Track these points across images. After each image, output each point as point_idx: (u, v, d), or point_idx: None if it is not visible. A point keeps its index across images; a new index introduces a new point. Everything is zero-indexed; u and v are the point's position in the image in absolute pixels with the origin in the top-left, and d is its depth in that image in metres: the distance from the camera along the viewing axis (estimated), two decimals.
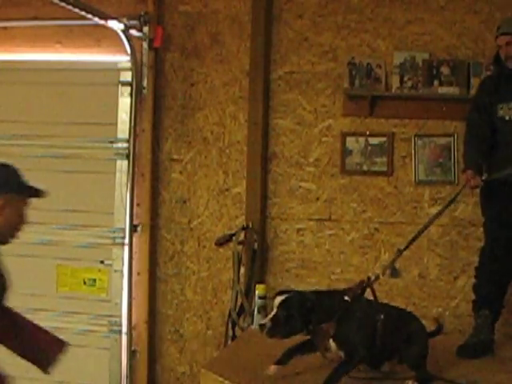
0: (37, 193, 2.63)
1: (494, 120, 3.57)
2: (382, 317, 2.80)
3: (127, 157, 4.43)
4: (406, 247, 3.38)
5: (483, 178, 3.53)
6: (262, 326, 2.73)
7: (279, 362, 2.84)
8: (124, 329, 4.43)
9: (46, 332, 2.67)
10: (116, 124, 4.50)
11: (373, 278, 3.02)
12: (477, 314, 3.57)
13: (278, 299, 2.74)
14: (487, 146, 3.59)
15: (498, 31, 3.58)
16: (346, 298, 2.82)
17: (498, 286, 3.54)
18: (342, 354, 2.76)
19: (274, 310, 2.73)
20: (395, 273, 3.23)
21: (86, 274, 4.60)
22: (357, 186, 4.27)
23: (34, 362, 2.62)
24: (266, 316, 3.68)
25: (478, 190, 3.67)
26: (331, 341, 2.75)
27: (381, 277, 3.07)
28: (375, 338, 2.78)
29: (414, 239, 3.43)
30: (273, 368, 2.84)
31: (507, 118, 3.54)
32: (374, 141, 4.25)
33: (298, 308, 2.71)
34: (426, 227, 3.51)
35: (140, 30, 4.40)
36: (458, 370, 3.08)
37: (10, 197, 2.43)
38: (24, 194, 2.50)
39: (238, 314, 4.07)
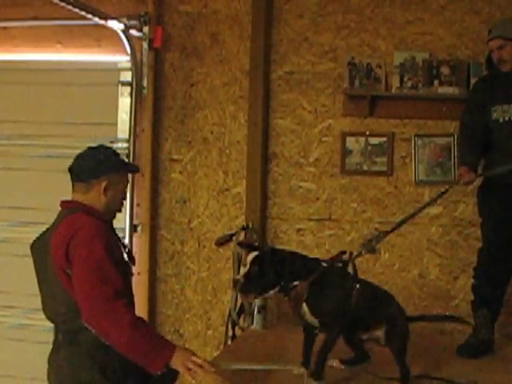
0: (134, 169, 3.00)
1: (489, 122, 3.58)
2: (358, 286, 2.78)
3: (127, 157, 4.43)
4: (392, 230, 3.26)
5: (478, 174, 3.54)
6: (235, 282, 2.70)
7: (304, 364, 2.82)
8: None
9: None
10: (116, 124, 4.51)
11: (355, 253, 2.97)
12: (476, 314, 3.58)
13: (251, 255, 2.69)
14: (481, 147, 3.61)
15: (489, 35, 3.59)
16: (323, 263, 2.79)
17: (496, 285, 3.55)
18: (315, 321, 2.73)
19: (247, 267, 2.67)
20: (373, 250, 3.19)
21: None
22: (357, 186, 4.27)
23: None
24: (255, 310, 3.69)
25: (473, 190, 3.68)
26: (304, 304, 2.71)
27: (363, 253, 3.04)
28: (349, 307, 2.75)
29: (400, 224, 3.31)
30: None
31: (501, 120, 3.55)
32: (373, 141, 4.25)
33: (271, 263, 2.66)
34: (414, 214, 3.42)
35: (140, 30, 4.40)
36: (458, 370, 3.08)
37: (113, 176, 2.58)
38: (124, 172, 2.67)
39: (238, 314, 4.06)
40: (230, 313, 4.06)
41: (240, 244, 2.84)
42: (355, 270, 2.91)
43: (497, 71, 3.61)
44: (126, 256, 2.70)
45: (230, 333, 4.04)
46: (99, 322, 2.34)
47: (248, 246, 2.83)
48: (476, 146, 3.60)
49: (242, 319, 4.09)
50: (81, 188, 2.59)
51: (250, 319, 4.02)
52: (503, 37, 3.52)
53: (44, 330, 4.50)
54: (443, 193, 3.52)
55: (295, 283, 2.69)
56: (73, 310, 2.40)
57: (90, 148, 2.69)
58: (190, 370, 2.36)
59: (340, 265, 2.89)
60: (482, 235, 3.68)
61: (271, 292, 2.69)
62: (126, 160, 2.83)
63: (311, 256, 2.89)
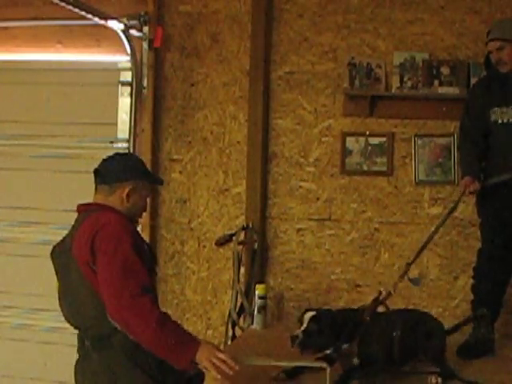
0: (158, 181, 3.00)
1: (488, 124, 3.58)
2: (399, 333, 2.87)
3: None
4: (414, 260, 3.41)
5: (482, 183, 3.54)
6: (293, 337, 2.76)
7: (289, 375, 2.94)
8: None
9: None
10: (116, 124, 4.51)
11: (384, 294, 3.05)
12: (476, 314, 3.58)
13: (309, 314, 2.80)
14: (481, 152, 3.62)
15: (488, 36, 3.59)
16: (367, 317, 2.87)
17: (496, 285, 3.55)
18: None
19: (305, 324, 2.77)
20: (416, 282, 3.28)
21: None
22: (357, 186, 4.27)
23: None
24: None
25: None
26: (355, 359, 2.80)
27: (392, 293, 3.10)
28: (393, 352, 2.85)
29: (421, 250, 3.46)
30: (278, 374, 2.94)
31: (500, 121, 3.55)
32: (374, 141, 4.25)
33: (330, 323, 2.77)
34: (431, 237, 3.52)
35: (140, 30, 4.40)
36: (457, 370, 3.08)
37: (137, 183, 2.59)
38: (148, 181, 2.69)
39: (238, 314, 4.07)
40: (229, 313, 4.06)
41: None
42: (388, 309, 3.02)
43: (495, 72, 3.61)
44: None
45: (230, 333, 4.04)
46: (125, 317, 2.32)
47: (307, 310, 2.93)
48: (477, 151, 3.60)
49: (241, 319, 4.09)
50: (104, 190, 2.58)
51: (250, 319, 4.02)
52: (502, 38, 3.51)
53: (44, 330, 4.52)
54: (454, 208, 3.59)
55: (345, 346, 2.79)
56: (103, 312, 2.38)
57: (118, 153, 2.75)
58: (214, 365, 2.36)
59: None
60: (481, 235, 3.69)
61: (327, 351, 2.77)
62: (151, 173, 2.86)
63: (350, 308, 3.09)
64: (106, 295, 2.35)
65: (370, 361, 2.79)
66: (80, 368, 2.56)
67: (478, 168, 3.59)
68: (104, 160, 2.65)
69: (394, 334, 2.86)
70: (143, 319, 2.31)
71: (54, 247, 2.63)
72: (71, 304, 2.53)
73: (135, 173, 2.60)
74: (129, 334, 2.35)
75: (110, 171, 2.58)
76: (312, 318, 2.78)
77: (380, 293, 3.04)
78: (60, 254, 2.56)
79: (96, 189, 2.62)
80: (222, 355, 2.39)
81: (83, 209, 2.62)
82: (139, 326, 2.31)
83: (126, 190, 2.55)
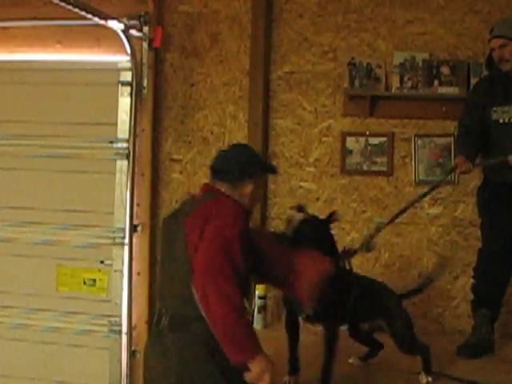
0: (274, 170, 2.95)
1: (488, 123, 3.58)
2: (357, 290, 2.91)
3: (127, 157, 4.43)
4: (388, 223, 3.41)
5: (476, 163, 3.53)
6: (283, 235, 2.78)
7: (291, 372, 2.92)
8: (124, 329, 4.42)
9: None
10: (116, 124, 4.50)
11: (351, 250, 3.08)
12: (476, 314, 3.58)
13: (299, 215, 2.83)
14: (477, 142, 3.60)
15: (491, 34, 3.59)
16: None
17: (496, 285, 3.55)
18: (310, 310, 2.81)
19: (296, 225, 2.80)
20: (368, 246, 3.26)
21: (86, 273, 4.59)
22: (357, 186, 4.27)
23: None
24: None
25: (473, 190, 3.68)
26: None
27: (358, 252, 3.11)
28: (347, 301, 2.86)
29: (396, 216, 3.45)
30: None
31: (501, 121, 3.55)
32: (374, 141, 4.25)
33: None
34: (410, 205, 3.52)
35: (140, 30, 4.39)
36: (457, 370, 3.08)
37: (256, 181, 2.60)
38: (266, 172, 2.74)
39: None
40: None
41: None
42: (351, 268, 3.01)
43: (497, 71, 3.61)
44: None
45: None
46: (208, 291, 2.30)
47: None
48: (472, 140, 3.60)
49: None
50: (223, 187, 2.57)
51: (250, 319, 4.02)
52: (505, 36, 3.51)
53: (44, 330, 4.52)
54: (441, 181, 3.65)
55: None
56: (192, 295, 2.35)
57: (233, 147, 2.72)
58: (260, 379, 2.35)
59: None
60: (481, 235, 3.69)
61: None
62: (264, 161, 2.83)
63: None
64: (198, 266, 2.34)
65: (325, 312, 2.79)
66: (151, 347, 2.54)
67: (472, 151, 3.56)
68: (221, 156, 2.65)
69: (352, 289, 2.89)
70: (224, 301, 2.29)
71: (166, 218, 2.63)
72: (166, 275, 2.53)
73: (255, 169, 2.60)
74: (202, 307, 2.32)
75: (229, 170, 2.57)
76: (303, 221, 2.78)
77: (347, 250, 3.05)
78: (171, 224, 2.55)
79: (214, 183, 2.59)
80: (268, 377, 2.36)
81: (207, 189, 2.60)
82: (216, 303, 2.29)
83: (249, 190, 2.56)
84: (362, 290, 2.92)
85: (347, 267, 2.98)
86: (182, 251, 2.43)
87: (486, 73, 3.86)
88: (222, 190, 2.55)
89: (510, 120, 3.52)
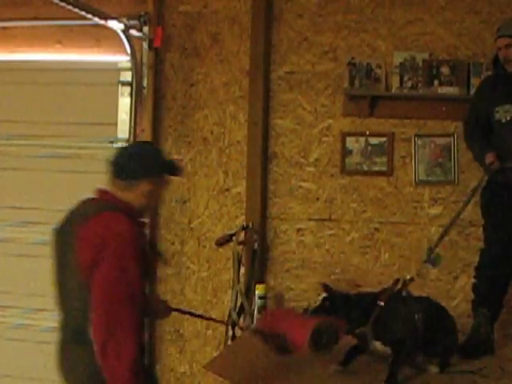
0: (178, 172, 2.70)
1: (492, 122, 3.58)
2: (420, 315, 2.94)
3: None
4: (437, 244, 3.44)
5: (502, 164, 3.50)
6: (305, 311, 2.99)
7: (343, 363, 2.95)
8: None
9: None
10: (116, 124, 4.51)
11: (408, 279, 3.08)
12: (476, 314, 3.58)
13: (322, 295, 2.92)
14: (489, 143, 3.61)
15: (498, 33, 3.59)
16: (380, 303, 2.92)
17: (497, 286, 3.55)
18: (388, 349, 2.87)
19: (318, 303, 2.91)
20: (436, 261, 3.30)
21: None
22: (357, 186, 4.27)
23: None
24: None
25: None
26: (373, 341, 2.87)
27: (415, 279, 3.13)
28: (416, 333, 2.91)
29: (442, 236, 3.49)
30: (333, 367, 2.96)
31: (503, 120, 3.56)
32: (373, 141, 4.25)
33: (342, 304, 2.88)
34: (453, 222, 3.55)
35: (140, 30, 4.40)
36: (457, 370, 3.08)
37: (156, 180, 2.49)
38: (168, 173, 2.56)
39: (238, 314, 4.06)
40: (230, 313, 4.06)
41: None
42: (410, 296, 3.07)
43: (502, 71, 3.61)
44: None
45: (230, 333, 4.04)
46: (107, 344, 2.24)
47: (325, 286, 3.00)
48: (486, 139, 3.61)
49: (241, 319, 4.08)
50: (119, 185, 2.48)
51: (250, 319, 4.02)
52: (511, 35, 3.52)
53: (44, 330, 4.52)
54: (477, 187, 3.59)
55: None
56: (86, 307, 2.29)
57: (135, 144, 2.62)
58: None
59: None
60: (484, 236, 3.68)
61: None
62: (171, 161, 2.73)
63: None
64: (96, 315, 2.26)
65: (395, 342, 2.85)
66: (61, 358, 2.46)
67: (493, 150, 3.56)
68: (119, 152, 2.53)
69: (416, 316, 2.92)
70: (121, 363, 2.22)
71: (58, 227, 2.52)
72: (61, 289, 2.44)
73: (154, 170, 2.47)
74: (99, 359, 2.26)
75: (126, 167, 2.47)
76: (325, 298, 2.86)
77: (398, 280, 3.07)
78: (63, 236, 2.46)
79: (111, 180, 2.51)
80: None
81: (101, 197, 2.52)
82: (113, 364, 2.23)
83: (145, 188, 2.45)
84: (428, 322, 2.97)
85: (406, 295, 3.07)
86: (74, 264, 2.34)
87: (487, 73, 3.86)
88: (118, 188, 2.46)
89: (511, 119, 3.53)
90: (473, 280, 3.67)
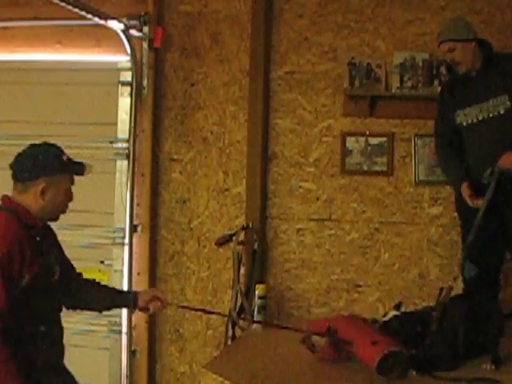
0: (77, 171, 2.67)
1: (456, 127, 3.60)
2: (463, 329, 2.99)
3: (127, 157, 4.43)
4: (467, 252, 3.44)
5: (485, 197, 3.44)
6: (374, 322, 3.08)
7: None
8: (124, 329, 4.43)
9: None
10: (116, 124, 4.50)
11: (446, 290, 3.12)
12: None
13: (393, 312, 3.09)
14: (458, 150, 3.64)
15: (438, 39, 3.60)
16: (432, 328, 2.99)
17: (489, 274, 3.55)
18: None
19: (388, 318, 3.07)
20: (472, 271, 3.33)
21: (86, 273, 4.53)
22: (357, 186, 4.27)
23: None
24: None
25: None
26: None
27: (454, 287, 3.15)
28: (458, 349, 2.98)
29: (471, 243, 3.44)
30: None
31: (465, 123, 3.57)
32: (373, 141, 4.25)
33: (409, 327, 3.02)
34: (477, 228, 3.45)
35: (140, 30, 4.39)
36: (457, 370, 3.08)
37: (52, 178, 2.48)
38: (66, 173, 2.55)
39: (238, 314, 4.06)
40: (230, 313, 4.06)
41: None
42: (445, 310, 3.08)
43: (456, 74, 3.62)
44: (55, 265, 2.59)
45: (230, 333, 4.04)
46: None
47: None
48: (457, 154, 3.64)
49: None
50: (18, 187, 2.49)
51: (250, 319, 4.02)
52: (452, 39, 3.51)
53: None
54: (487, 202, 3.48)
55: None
56: None
57: (30, 146, 2.56)
58: None
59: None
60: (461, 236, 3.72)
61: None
62: (75, 159, 2.71)
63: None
64: None
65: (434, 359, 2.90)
66: None
67: (464, 171, 3.59)
68: (17, 155, 2.54)
69: (459, 332, 2.97)
70: None
71: None
72: None
73: (48, 168, 2.47)
74: None
75: (21, 169, 2.48)
76: (395, 316, 2.98)
77: (441, 290, 3.10)
78: None
79: (13, 184, 2.52)
80: None
81: (1, 201, 2.51)
82: None
83: (40, 188, 2.45)
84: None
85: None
86: None
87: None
88: (17, 191, 2.47)
89: (472, 121, 3.53)
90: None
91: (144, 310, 2.90)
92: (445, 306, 3.04)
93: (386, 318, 3.03)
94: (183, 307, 2.93)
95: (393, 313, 3.01)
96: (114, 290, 2.99)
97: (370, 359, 2.76)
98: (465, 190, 3.53)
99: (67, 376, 2.65)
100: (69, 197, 2.59)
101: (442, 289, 3.12)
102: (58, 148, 2.61)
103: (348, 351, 2.90)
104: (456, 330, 2.96)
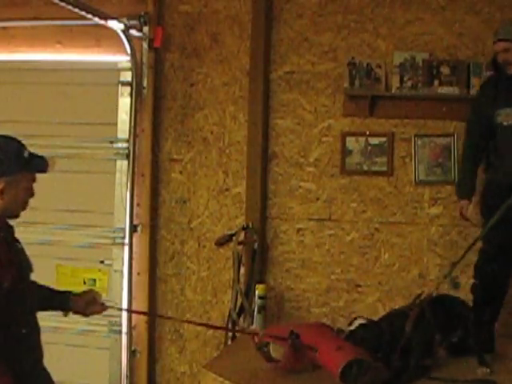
0: (39, 168, 2.61)
1: (493, 126, 3.58)
2: (439, 338, 3.07)
3: (127, 157, 4.43)
4: (460, 260, 3.45)
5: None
6: (339, 331, 3.09)
7: None
8: (124, 329, 4.43)
9: None
10: (116, 124, 4.50)
11: (425, 295, 3.10)
12: (475, 313, 3.58)
13: (359, 320, 3.09)
14: (480, 155, 3.65)
15: (496, 36, 3.58)
16: (407, 328, 3.00)
17: (496, 286, 3.55)
18: None
19: (353, 327, 3.07)
20: (456, 285, 3.31)
21: (86, 273, 4.59)
22: (357, 186, 4.27)
23: None
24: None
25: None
26: None
27: (434, 295, 3.14)
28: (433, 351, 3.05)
29: (466, 251, 3.49)
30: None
31: (505, 123, 3.55)
32: (374, 141, 4.25)
33: (375, 336, 3.02)
34: (477, 239, 3.53)
35: (140, 30, 4.40)
36: (457, 370, 3.08)
37: (12, 178, 2.42)
38: (27, 171, 2.49)
39: (238, 314, 4.07)
40: (230, 313, 4.06)
41: None
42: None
43: (502, 74, 3.61)
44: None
45: (230, 333, 4.04)
46: None
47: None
48: (476, 160, 3.66)
49: (241, 319, 4.09)
50: None
51: (249, 319, 4.02)
52: (509, 39, 3.51)
53: (44, 330, 4.51)
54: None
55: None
56: None
57: None
58: None
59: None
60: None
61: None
62: (34, 156, 2.65)
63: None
64: None
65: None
66: None
67: (473, 187, 3.65)
68: None
69: (436, 337, 3.05)
70: None
71: None
72: None
73: (8, 168, 2.39)
74: None
75: None
76: (361, 325, 2.97)
77: (419, 295, 3.09)
78: None
79: None
80: None
81: None
82: None
83: (3, 188, 2.38)
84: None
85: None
86: None
87: (487, 73, 3.86)
88: None
89: None
90: (472, 280, 3.67)
91: (81, 313, 2.83)
92: (422, 308, 3.03)
93: (351, 327, 3.00)
94: (186, 322, 2.91)
95: (358, 321, 2.99)
96: (52, 290, 2.87)
97: (333, 366, 2.67)
98: (460, 206, 3.65)
99: (47, 376, 2.62)
100: (29, 194, 2.53)
101: (420, 294, 3.14)
102: (19, 142, 2.53)
103: (311, 358, 2.82)
104: (432, 331, 2.96)
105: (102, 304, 2.83)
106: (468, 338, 3.11)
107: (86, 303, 2.80)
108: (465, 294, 3.65)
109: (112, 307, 2.89)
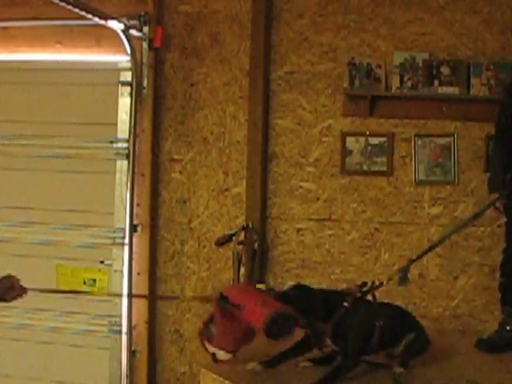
0: None
1: None
2: (381, 323, 2.92)
3: (127, 157, 4.43)
4: (418, 258, 3.37)
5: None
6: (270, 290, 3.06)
7: (267, 365, 2.96)
8: (124, 329, 4.43)
9: None
10: (116, 124, 4.50)
11: (377, 283, 3.05)
12: (502, 312, 3.56)
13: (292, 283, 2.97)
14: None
15: None
16: (345, 303, 2.89)
17: None
18: (337, 348, 2.86)
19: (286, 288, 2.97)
20: (404, 281, 3.25)
21: (86, 273, 4.59)
22: (357, 186, 4.27)
23: None
24: None
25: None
26: (328, 339, 2.86)
27: (384, 284, 3.10)
28: (372, 341, 2.90)
29: (426, 252, 3.41)
30: (253, 365, 2.95)
31: None
32: (374, 141, 4.25)
33: (308, 296, 2.87)
34: (443, 239, 3.49)
35: (140, 30, 4.40)
36: (457, 370, 3.08)
37: None
38: None
39: None
40: None
41: None
42: (375, 300, 3.02)
43: None
44: None
45: None
46: None
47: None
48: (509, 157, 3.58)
49: None
50: None
51: None
52: None
53: (44, 330, 4.52)
54: (478, 215, 3.49)
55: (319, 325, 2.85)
56: None
57: None
58: None
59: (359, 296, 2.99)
60: (505, 234, 3.66)
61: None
62: None
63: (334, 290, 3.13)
64: None
65: (345, 345, 2.83)
66: None
67: (504, 180, 3.51)
68: None
69: (377, 323, 2.91)
70: None
71: None
72: None
73: None
74: None
75: None
76: (294, 286, 2.89)
77: (372, 283, 3.05)
78: None
79: None
80: None
81: None
82: None
83: None
84: (387, 329, 2.95)
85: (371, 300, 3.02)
86: None
87: (486, 73, 3.85)
88: None
89: None
90: (499, 278, 3.63)
91: (1, 300, 2.82)
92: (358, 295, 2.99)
93: (284, 288, 2.97)
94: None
95: (291, 283, 2.97)
96: None
97: (257, 320, 2.62)
98: (498, 202, 3.49)
99: None
100: None
101: (365, 282, 3.09)
102: None
103: (238, 316, 2.74)
104: (373, 322, 2.91)
105: (22, 287, 2.80)
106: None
107: (5, 289, 2.76)
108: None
109: (33, 289, 2.86)
